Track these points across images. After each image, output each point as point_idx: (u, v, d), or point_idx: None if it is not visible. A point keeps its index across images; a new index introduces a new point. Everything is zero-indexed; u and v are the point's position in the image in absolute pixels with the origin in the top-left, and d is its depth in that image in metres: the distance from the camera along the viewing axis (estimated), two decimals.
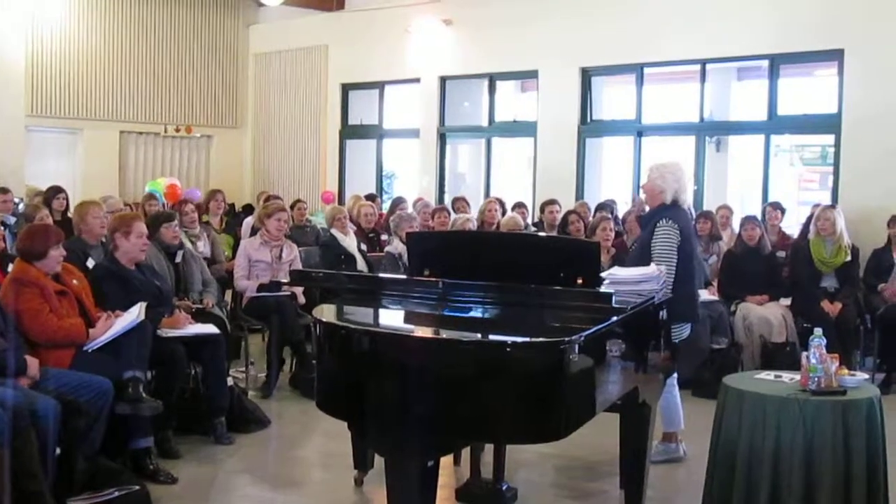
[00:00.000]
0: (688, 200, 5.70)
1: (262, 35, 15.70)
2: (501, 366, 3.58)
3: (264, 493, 5.28)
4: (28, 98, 13.48)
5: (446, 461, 5.06)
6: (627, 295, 4.44)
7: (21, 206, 9.92)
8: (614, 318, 4.08)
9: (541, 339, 3.88)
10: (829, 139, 10.45)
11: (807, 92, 11.98)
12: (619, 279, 4.62)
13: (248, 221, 10.05)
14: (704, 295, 7.30)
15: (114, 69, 14.38)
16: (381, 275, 7.12)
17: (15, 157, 13.06)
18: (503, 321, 4.40)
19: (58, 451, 4.54)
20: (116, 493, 4.65)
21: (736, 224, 9.12)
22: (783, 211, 9.50)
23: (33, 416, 4.35)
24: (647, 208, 5.91)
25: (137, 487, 4.76)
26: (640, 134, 11.45)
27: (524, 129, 12.61)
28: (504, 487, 4.95)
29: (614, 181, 12.64)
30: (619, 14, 11.17)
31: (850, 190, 9.53)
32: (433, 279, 4.56)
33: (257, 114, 15.72)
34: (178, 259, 6.86)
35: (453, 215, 9.47)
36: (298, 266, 7.63)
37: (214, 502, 5.14)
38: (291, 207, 9.81)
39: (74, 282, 5.37)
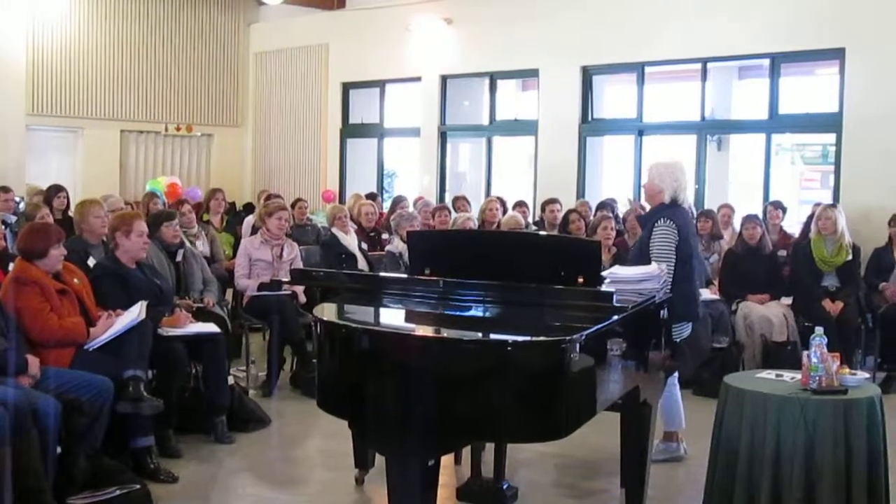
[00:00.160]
0: (688, 200, 5.69)
1: (262, 34, 15.70)
2: (502, 365, 3.58)
3: (265, 493, 5.28)
4: (28, 97, 13.50)
5: (447, 460, 5.06)
6: (628, 294, 4.44)
7: (22, 205, 9.93)
8: (615, 318, 4.08)
9: (542, 339, 3.88)
10: (831, 138, 10.45)
11: (808, 91, 11.99)
12: (619, 278, 4.61)
13: (249, 220, 10.05)
14: (705, 294, 7.30)
15: (114, 68, 14.39)
16: (382, 274, 7.12)
17: (16, 156, 13.09)
18: (504, 320, 4.40)
19: (58, 450, 4.55)
20: (117, 492, 4.65)
21: (737, 223, 9.11)
22: (784, 210, 9.50)
23: (34, 415, 4.36)
24: (648, 207, 5.91)
25: (138, 486, 4.75)
26: (640, 133, 11.45)
27: (525, 127, 12.62)
28: (505, 486, 4.95)
29: (615, 180, 12.64)
30: (619, 13, 11.17)
31: (851, 189, 9.53)
32: (434, 278, 4.56)
33: (258, 113, 15.72)
34: (179, 258, 6.87)
35: (454, 214, 9.47)
36: (299, 265, 7.63)
37: (215, 501, 5.14)
38: (292, 206, 9.81)
39: (75, 281, 5.37)
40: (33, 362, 4.81)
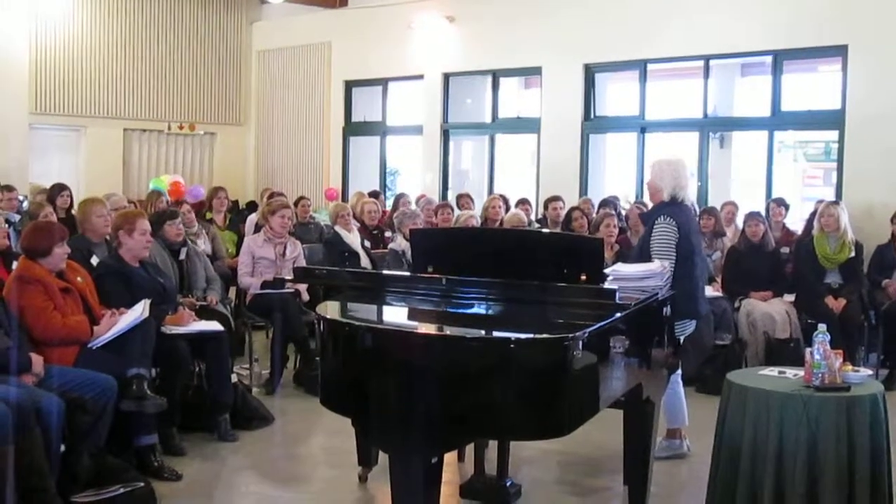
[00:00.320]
0: (690, 197, 5.69)
1: (265, 32, 15.70)
2: (505, 362, 3.58)
3: (268, 490, 5.28)
4: (31, 96, 13.50)
5: (450, 458, 5.07)
6: (631, 291, 4.44)
7: (25, 204, 9.94)
8: (618, 315, 4.08)
9: (544, 336, 3.88)
10: (833, 135, 10.43)
11: (811, 88, 11.97)
12: (622, 275, 4.62)
13: (252, 218, 10.06)
14: (708, 291, 7.29)
15: (117, 67, 14.39)
16: (385, 272, 7.13)
17: (19, 155, 13.08)
18: (507, 318, 4.40)
19: (62, 448, 4.55)
20: (121, 490, 4.66)
21: (740, 220, 9.11)
22: (787, 207, 9.50)
23: (38, 413, 4.36)
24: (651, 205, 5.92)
25: (142, 484, 4.76)
26: (643, 130, 11.45)
27: (527, 125, 12.62)
28: (508, 484, 4.95)
29: (618, 177, 12.63)
30: (622, 10, 11.16)
31: (853, 186, 9.53)
32: (437, 276, 4.56)
33: (260, 111, 15.72)
34: (182, 256, 6.87)
35: (456, 212, 9.47)
36: (302, 263, 7.63)
37: (219, 499, 5.15)
38: (295, 204, 9.82)
39: (78, 279, 5.38)
40: (37, 361, 4.81)
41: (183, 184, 12.55)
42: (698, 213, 8.34)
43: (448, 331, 4.28)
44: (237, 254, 8.41)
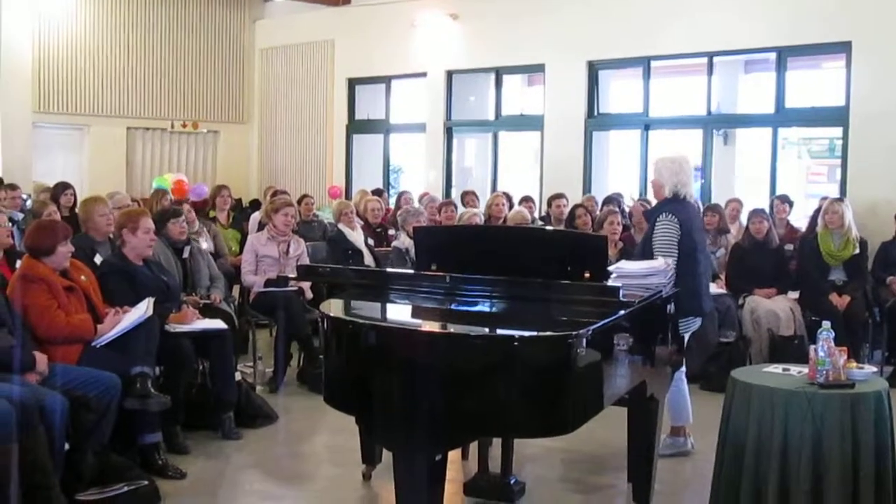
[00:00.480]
0: (692, 194, 5.68)
1: (268, 30, 15.70)
2: (509, 360, 3.58)
3: (272, 488, 5.29)
4: (35, 94, 13.52)
5: (454, 455, 5.06)
6: (635, 289, 4.44)
7: (28, 203, 9.94)
8: (622, 312, 4.08)
9: (548, 334, 3.88)
10: (837, 132, 10.41)
11: (814, 84, 11.94)
12: (626, 273, 4.61)
13: (255, 217, 10.06)
14: (712, 288, 7.27)
15: (120, 65, 14.40)
16: (388, 270, 7.13)
17: (22, 154, 13.11)
18: (510, 315, 4.40)
19: (66, 446, 4.56)
20: (125, 489, 4.66)
21: (744, 217, 9.09)
22: (791, 204, 9.47)
23: (42, 411, 4.37)
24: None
25: (146, 483, 4.77)
26: (647, 127, 11.43)
27: (531, 122, 12.61)
28: (512, 481, 4.95)
29: (621, 175, 12.62)
30: (625, 7, 11.15)
31: (857, 183, 9.51)
32: (440, 274, 4.56)
33: (264, 109, 15.72)
34: (186, 255, 6.87)
35: (460, 209, 9.47)
36: (305, 261, 7.64)
37: (223, 497, 5.15)
38: (298, 202, 9.83)
39: (82, 278, 5.38)
40: (41, 359, 4.81)
41: (186, 182, 12.56)
42: (702, 210, 8.33)
43: (452, 329, 4.28)
44: (241, 252, 8.41)
